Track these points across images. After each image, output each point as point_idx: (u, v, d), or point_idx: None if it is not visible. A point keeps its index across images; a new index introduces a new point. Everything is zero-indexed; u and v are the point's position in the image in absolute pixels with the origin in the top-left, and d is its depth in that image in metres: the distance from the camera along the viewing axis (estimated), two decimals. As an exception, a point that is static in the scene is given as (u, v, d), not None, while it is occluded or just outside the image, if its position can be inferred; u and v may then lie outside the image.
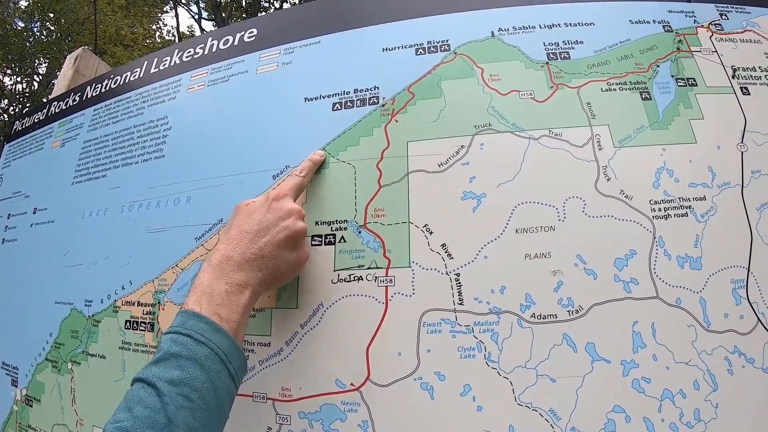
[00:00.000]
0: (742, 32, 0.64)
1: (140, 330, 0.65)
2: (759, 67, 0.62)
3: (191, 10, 8.48)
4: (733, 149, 0.56)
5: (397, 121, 0.61)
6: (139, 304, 0.66)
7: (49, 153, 0.91)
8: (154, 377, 0.40)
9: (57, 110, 0.97)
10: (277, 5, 7.77)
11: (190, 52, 0.81)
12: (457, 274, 0.53)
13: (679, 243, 0.52)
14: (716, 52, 0.62)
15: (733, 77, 0.61)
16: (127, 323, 0.66)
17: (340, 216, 0.58)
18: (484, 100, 0.59)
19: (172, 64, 0.82)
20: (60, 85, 1.07)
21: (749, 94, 0.59)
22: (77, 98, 0.93)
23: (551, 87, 0.59)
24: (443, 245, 0.54)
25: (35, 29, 7.66)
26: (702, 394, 0.47)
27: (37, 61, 7.91)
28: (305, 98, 0.67)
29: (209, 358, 0.42)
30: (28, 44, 7.45)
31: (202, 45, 0.80)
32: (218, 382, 0.42)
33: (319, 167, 0.61)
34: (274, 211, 0.52)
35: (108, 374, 0.66)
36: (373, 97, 0.63)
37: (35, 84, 8.14)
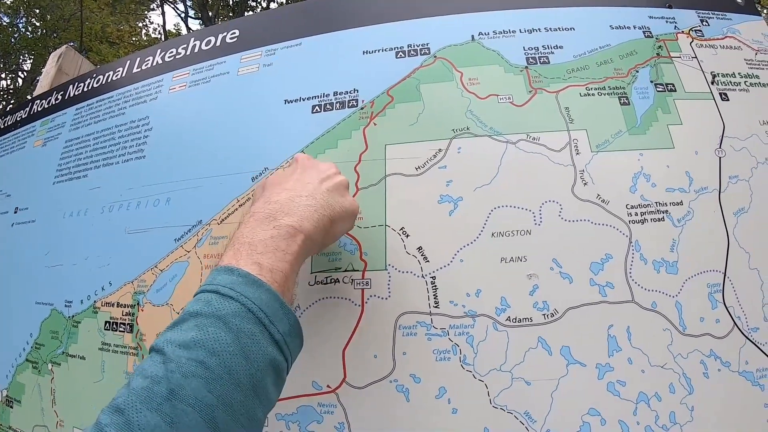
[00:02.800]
0: (722, 39, 0.65)
1: (120, 331, 0.64)
2: (739, 74, 0.62)
3: (178, 9, 8.43)
4: (711, 155, 0.56)
5: (375, 124, 0.61)
6: (118, 305, 0.66)
7: (31, 152, 0.91)
8: (165, 342, 0.31)
9: (39, 109, 0.96)
10: (264, 5, 7.74)
11: (172, 52, 0.81)
12: (433, 278, 0.53)
13: (656, 247, 0.52)
14: (696, 58, 0.63)
15: (712, 83, 0.61)
16: (107, 324, 0.66)
17: (317, 218, 0.58)
18: (463, 104, 0.60)
19: (155, 64, 0.81)
20: (43, 83, 1.06)
21: (728, 99, 0.60)
22: (60, 97, 0.93)
23: (530, 91, 0.59)
24: (419, 248, 0.54)
25: (20, 25, 7.62)
26: (678, 397, 0.48)
27: (21, 57, 7.85)
28: (285, 100, 0.67)
29: (238, 316, 0.32)
30: (12, 40, 7.40)
31: (185, 45, 0.80)
32: (252, 347, 0.32)
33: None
34: (313, 163, 0.48)
35: (88, 375, 0.65)
36: (353, 99, 0.63)
37: (20, 81, 8.07)
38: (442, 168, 0.57)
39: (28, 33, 7.62)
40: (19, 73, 8.13)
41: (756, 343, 0.50)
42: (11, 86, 8.12)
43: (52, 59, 1.08)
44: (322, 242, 0.43)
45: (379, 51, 0.66)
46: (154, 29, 9.54)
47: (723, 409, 0.47)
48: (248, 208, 0.44)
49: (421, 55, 0.64)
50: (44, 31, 7.60)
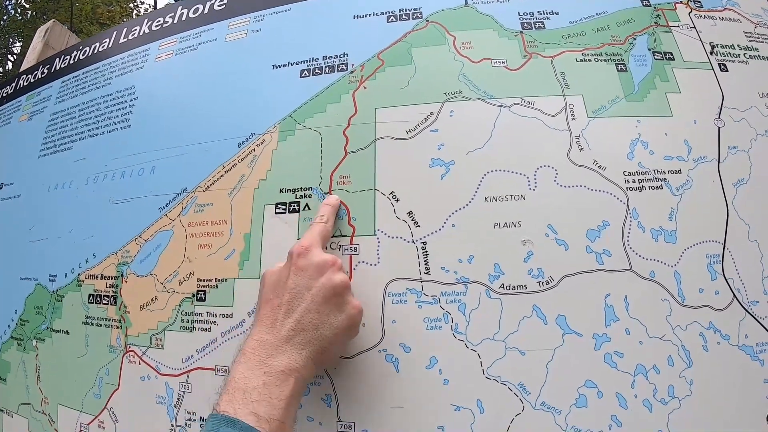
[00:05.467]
0: (721, 10, 0.64)
1: (103, 304, 0.63)
2: (738, 45, 0.61)
3: (168, -12, 8.28)
4: (710, 124, 0.55)
5: (365, 88, 0.59)
6: (102, 277, 0.64)
7: (17, 127, 0.89)
8: None
9: (25, 83, 0.95)
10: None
11: (159, 21, 0.79)
12: (424, 243, 0.51)
13: (654, 215, 0.51)
14: (695, 28, 0.61)
15: (711, 53, 0.60)
16: (90, 297, 0.64)
17: (304, 183, 0.56)
18: (455, 68, 0.58)
19: (141, 33, 0.80)
20: (29, 59, 1.05)
21: (727, 71, 0.59)
22: (45, 71, 0.91)
23: (524, 56, 0.58)
24: (410, 213, 0.53)
25: (9, 7, 7.49)
26: (676, 370, 0.46)
27: (11, 39, 7.72)
28: (273, 65, 0.65)
29: None
30: (2, 22, 7.30)
31: (172, 14, 0.79)
32: None
33: (285, 134, 0.59)
34: (303, 270, 0.44)
35: (71, 350, 0.64)
36: (342, 63, 0.62)
37: (9, 63, 7.96)
38: (433, 131, 0.55)
39: (17, 15, 7.51)
40: (8, 56, 8.02)
41: (756, 316, 0.48)
42: (0, 69, 8.04)
43: (39, 34, 1.06)
44: (320, 368, 0.45)
45: (369, 15, 0.65)
46: (146, 9, 9.37)
47: (722, 384, 0.46)
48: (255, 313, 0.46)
49: (413, 19, 0.63)
50: (34, 12, 7.46)
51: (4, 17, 7.43)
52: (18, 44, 7.80)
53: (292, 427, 0.40)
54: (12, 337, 0.72)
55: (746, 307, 0.48)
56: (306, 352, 0.41)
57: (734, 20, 0.63)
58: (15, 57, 7.91)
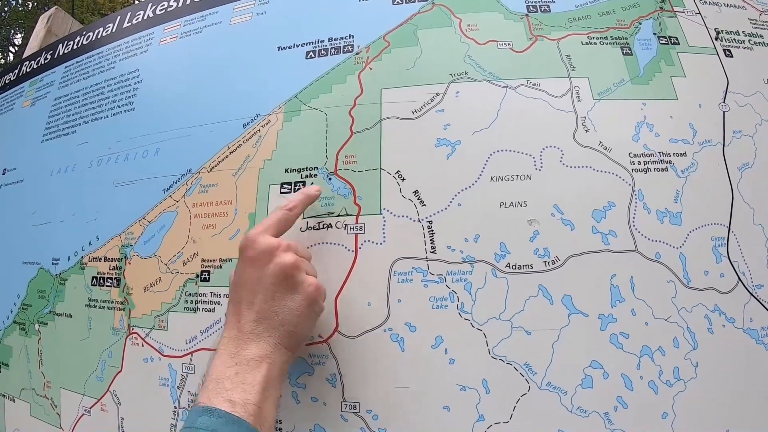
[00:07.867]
0: (726, -4, 0.64)
1: (106, 286, 0.63)
2: (743, 32, 0.61)
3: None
4: (715, 108, 0.55)
5: (371, 69, 0.59)
6: (105, 259, 0.64)
7: (20, 113, 0.89)
8: None
9: (28, 70, 0.94)
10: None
11: (163, 5, 0.79)
12: (430, 222, 0.51)
13: (659, 197, 0.50)
14: (700, 14, 0.61)
15: (716, 39, 0.60)
16: (94, 280, 0.64)
17: (310, 163, 0.56)
18: (461, 49, 0.58)
19: (145, 17, 0.80)
20: (32, 45, 1.04)
21: (732, 56, 0.59)
22: (49, 56, 0.91)
23: (530, 38, 0.58)
24: (415, 192, 0.53)
25: None
26: (682, 352, 0.46)
27: (12, 31, 7.66)
28: (278, 47, 0.65)
29: None
30: (3, 14, 7.26)
31: (176, -2, 0.79)
32: None
33: (291, 115, 0.59)
34: (253, 261, 0.44)
35: (74, 334, 0.64)
36: (348, 45, 0.62)
37: (11, 55, 7.91)
38: (439, 111, 0.55)
39: (19, 6, 7.48)
40: (10, 48, 7.97)
41: (761, 300, 0.48)
42: (2, 60, 7.93)
43: (42, 21, 1.06)
44: (295, 350, 0.45)
45: (376, -3, 0.65)
46: (147, -2, 9.31)
47: (727, 367, 0.46)
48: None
49: (418, 1, 0.62)
50: (35, 3, 7.40)
51: (5, 8, 7.39)
52: (19, 35, 7.75)
53: (273, 411, 0.41)
54: (14, 321, 0.72)
55: (751, 291, 0.48)
56: (273, 339, 0.42)
57: (739, 7, 0.63)
58: (16, 48, 7.85)
